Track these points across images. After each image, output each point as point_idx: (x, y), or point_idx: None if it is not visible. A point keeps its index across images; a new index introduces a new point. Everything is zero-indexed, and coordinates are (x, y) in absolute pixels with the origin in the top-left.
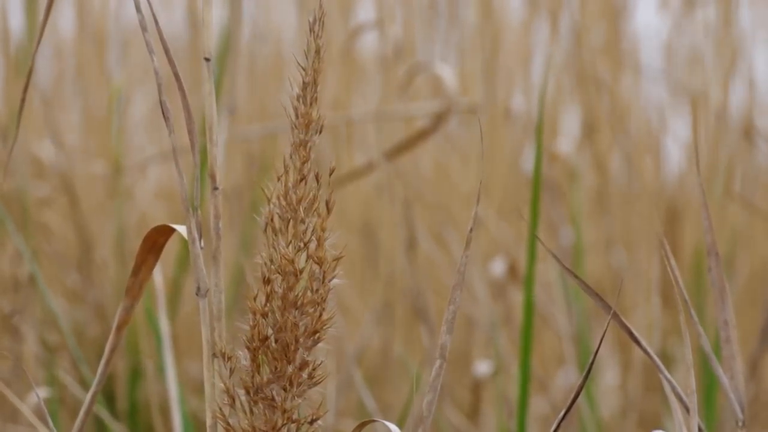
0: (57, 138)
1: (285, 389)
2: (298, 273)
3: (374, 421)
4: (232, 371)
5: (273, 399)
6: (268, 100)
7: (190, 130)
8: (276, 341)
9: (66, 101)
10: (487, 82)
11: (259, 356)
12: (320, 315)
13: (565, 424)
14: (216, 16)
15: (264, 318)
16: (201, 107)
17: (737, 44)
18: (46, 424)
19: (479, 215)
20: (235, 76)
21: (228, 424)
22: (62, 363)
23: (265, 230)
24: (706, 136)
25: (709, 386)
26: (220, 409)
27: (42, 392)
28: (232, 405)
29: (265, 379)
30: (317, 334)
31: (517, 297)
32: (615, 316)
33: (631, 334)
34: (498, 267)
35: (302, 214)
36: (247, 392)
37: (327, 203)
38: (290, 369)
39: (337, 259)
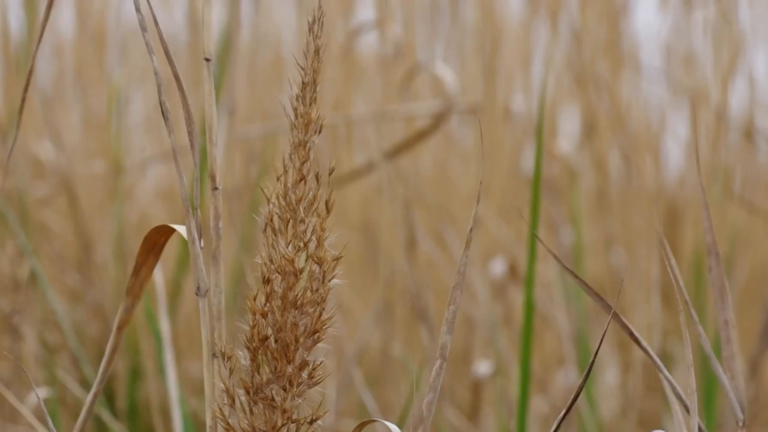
0: (57, 138)
1: (285, 389)
2: (298, 273)
3: (374, 421)
4: (231, 371)
5: (273, 399)
6: (267, 100)
7: (190, 131)
8: (276, 341)
9: (66, 101)
10: (487, 82)
11: (259, 356)
12: (320, 315)
13: (565, 424)
14: (216, 16)
15: (264, 318)
16: (200, 107)
17: (737, 44)
18: (45, 424)
19: (479, 215)
20: (235, 77)
21: (228, 424)
22: (62, 363)
23: (265, 230)
24: (706, 135)
25: (709, 386)
26: (220, 409)
27: (42, 392)
28: (232, 405)
29: (264, 379)
30: (317, 334)
31: (517, 297)
32: (615, 316)
33: (631, 334)
34: (498, 267)
35: (302, 214)
36: (247, 392)
37: (327, 203)
38: (290, 369)
39: (336, 259)
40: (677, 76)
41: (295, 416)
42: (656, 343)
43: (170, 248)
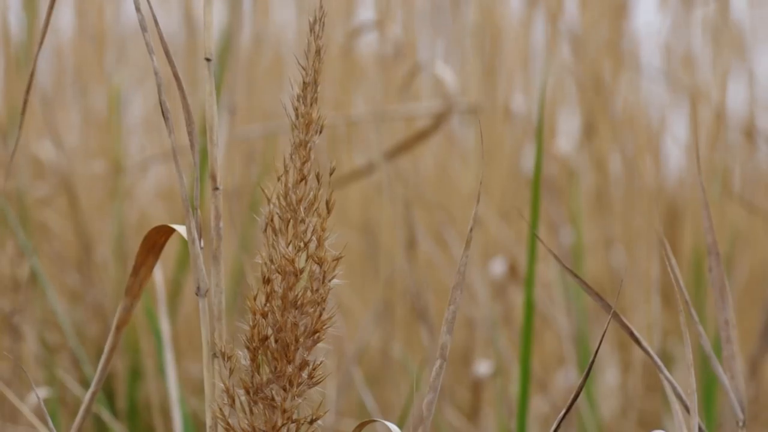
0: (57, 138)
1: (285, 389)
2: (298, 273)
3: (374, 421)
4: (232, 371)
5: (273, 399)
6: (267, 100)
7: (191, 131)
8: (276, 341)
9: (66, 101)
10: (487, 82)
11: (259, 356)
12: (320, 315)
13: (565, 424)
14: (216, 16)
15: (264, 318)
16: (200, 107)
17: (736, 43)
18: (46, 424)
19: (479, 215)
20: (235, 77)
21: (228, 424)
22: (62, 363)
23: (265, 230)
24: (705, 135)
25: (709, 386)
26: (220, 408)
27: (42, 392)
28: (232, 405)
29: (264, 379)
30: (317, 334)
31: (517, 297)
32: (615, 315)
33: (631, 333)
34: (498, 267)
35: (302, 214)
36: (247, 392)
37: (327, 203)
38: (290, 369)
39: (337, 259)
40: (677, 76)
41: (295, 416)
42: (656, 343)
43: (170, 248)
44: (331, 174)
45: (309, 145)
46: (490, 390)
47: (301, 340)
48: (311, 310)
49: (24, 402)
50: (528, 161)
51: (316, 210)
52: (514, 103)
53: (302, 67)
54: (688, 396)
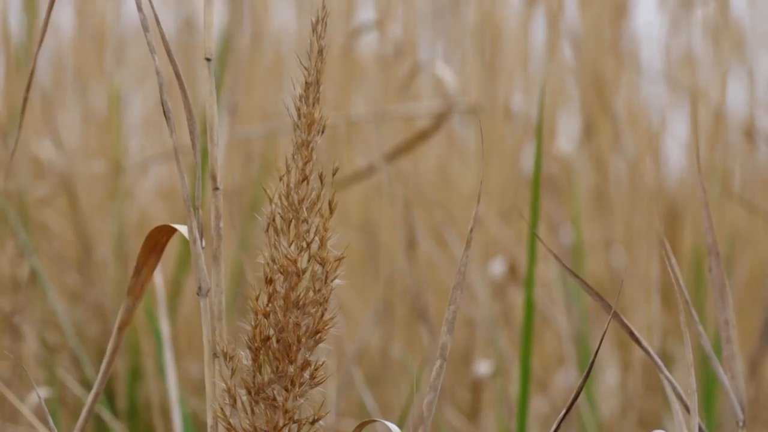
0: (57, 138)
1: (287, 389)
2: (301, 273)
3: (374, 421)
4: (233, 371)
5: (274, 399)
6: (267, 100)
7: (192, 130)
8: (278, 341)
9: (66, 101)
10: (487, 82)
11: (261, 356)
12: (322, 315)
13: (565, 424)
14: (216, 16)
15: (266, 318)
16: (200, 107)
17: (736, 43)
18: (46, 424)
19: (479, 215)
20: (236, 77)
21: (229, 423)
22: (62, 363)
23: (267, 230)
24: (705, 135)
25: (709, 386)
26: (222, 408)
27: (42, 392)
28: (234, 405)
29: (266, 379)
30: (319, 335)
31: (517, 297)
32: (615, 315)
33: (631, 333)
34: (498, 267)
35: (305, 214)
36: (249, 392)
37: (330, 203)
38: (292, 369)
39: (339, 259)
40: (677, 76)
41: (296, 416)
42: (656, 343)
43: (170, 248)
44: (334, 174)
45: (311, 145)
46: (490, 390)
47: (303, 340)
48: (313, 311)
49: (24, 402)
50: (528, 161)
51: (318, 210)
52: (514, 103)
53: (304, 67)
54: (688, 396)
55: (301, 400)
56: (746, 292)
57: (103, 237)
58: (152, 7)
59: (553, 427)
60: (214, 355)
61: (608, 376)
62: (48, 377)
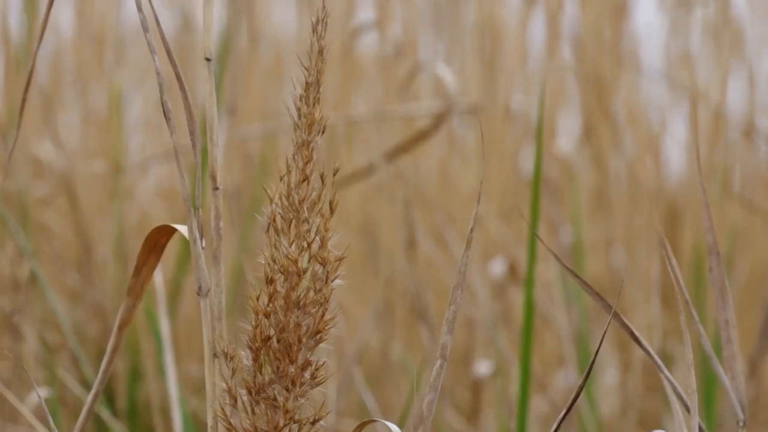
0: (57, 138)
1: (287, 389)
2: (301, 273)
3: (375, 421)
4: (233, 371)
5: (275, 399)
6: (267, 100)
7: (192, 130)
8: (278, 341)
9: (66, 101)
10: (487, 82)
11: (261, 356)
12: (322, 315)
13: (565, 424)
14: (216, 16)
15: (266, 318)
16: (199, 107)
17: (736, 43)
18: (46, 424)
19: (479, 215)
20: (235, 77)
21: (230, 423)
22: (62, 363)
23: (268, 230)
24: (705, 135)
25: (709, 386)
26: (222, 408)
27: (42, 392)
28: (234, 405)
29: (267, 379)
30: (319, 335)
31: (517, 297)
32: (615, 315)
33: (631, 333)
34: (498, 267)
35: (305, 214)
36: (249, 392)
37: (330, 204)
38: (292, 369)
39: (340, 259)
40: (677, 76)
41: (297, 416)
42: (656, 343)
43: (169, 248)
44: (334, 174)
45: (311, 145)
46: (490, 390)
47: (304, 340)
48: (314, 311)
49: (24, 402)
50: (528, 161)
51: (319, 210)
52: (514, 103)
53: (305, 67)
54: (688, 396)
55: (302, 400)
56: (746, 292)
57: (103, 237)
58: (152, 7)
59: (553, 427)
60: (215, 355)
61: (608, 376)
62: (48, 377)
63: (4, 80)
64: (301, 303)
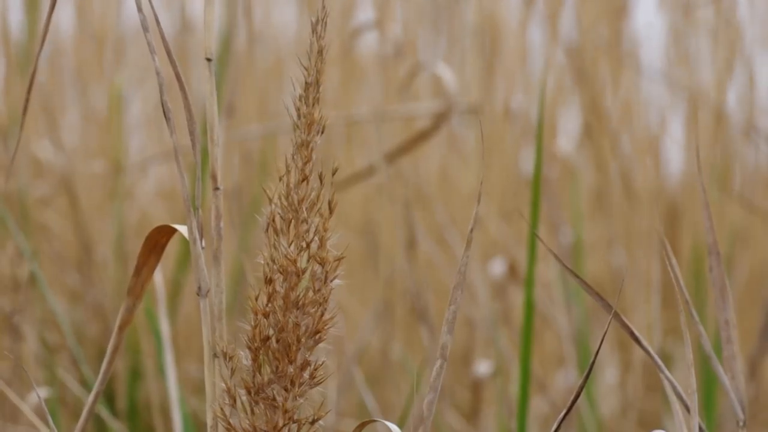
0: (57, 138)
1: (286, 389)
2: (300, 273)
3: (375, 421)
4: (233, 371)
5: (274, 399)
6: (266, 100)
7: (192, 130)
8: (277, 341)
9: (66, 101)
10: (487, 82)
11: (261, 356)
12: (321, 315)
13: (565, 424)
14: (216, 16)
15: (266, 318)
16: (199, 107)
17: (736, 43)
18: (46, 423)
19: (479, 215)
20: (234, 77)
21: (229, 423)
22: (62, 363)
23: (267, 230)
24: (705, 135)
25: (709, 386)
26: (222, 408)
27: (42, 392)
28: (234, 405)
29: (266, 379)
30: (319, 335)
31: (517, 297)
32: (615, 315)
33: (631, 333)
34: (498, 267)
35: (304, 214)
36: (249, 392)
37: (329, 204)
38: (291, 369)
39: (339, 259)
40: (677, 76)
41: (296, 416)
42: (656, 343)
43: (169, 248)
44: (333, 174)
45: (311, 145)
46: (490, 390)
47: (303, 340)
48: (313, 311)
49: (24, 402)
50: (528, 161)
51: (318, 210)
52: (514, 103)
53: (304, 68)
54: (688, 396)
55: (301, 400)
56: (746, 292)
57: (103, 237)
58: (152, 7)
59: (553, 427)
60: (214, 355)
61: (608, 376)
62: (48, 377)
63: (4, 80)
64: (300, 303)
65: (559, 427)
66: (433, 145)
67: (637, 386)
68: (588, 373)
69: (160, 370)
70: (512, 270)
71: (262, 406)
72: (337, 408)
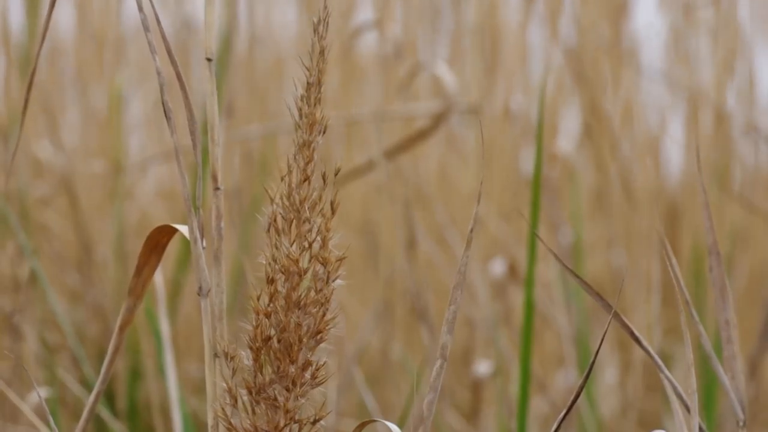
0: (57, 138)
1: (288, 389)
2: (302, 273)
3: (375, 421)
4: (234, 371)
5: (275, 399)
6: (267, 100)
7: (193, 130)
8: (279, 341)
9: (66, 101)
10: (487, 82)
11: (262, 356)
12: (323, 315)
13: (565, 424)
14: (216, 16)
15: (267, 318)
16: (199, 107)
17: (736, 43)
18: (47, 423)
19: (479, 215)
20: (234, 77)
21: (230, 424)
22: (62, 363)
23: (268, 230)
24: (705, 135)
25: (709, 386)
26: (223, 408)
27: (42, 392)
28: (235, 405)
29: (267, 379)
30: (320, 335)
31: (517, 297)
32: (615, 315)
33: (631, 333)
34: (498, 267)
35: (306, 214)
36: (250, 392)
37: (331, 204)
38: (293, 369)
39: (341, 259)
40: (677, 76)
41: (297, 416)
42: (656, 343)
43: (169, 248)
44: (336, 174)
45: (313, 145)
46: (490, 390)
47: (305, 340)
48: (314, 311)
49: (24, 402)
50: (528, 161)
51: (320, 210)
52: (514, 103)
53: (306, 68)
54: (688, 396)
55: (302, 400)
56: (746, 292)
57: (103, 237)
58: (153, 7)
59: (553, 427)
60: (215, 355)
61: (608, 376)
62: (48, 377)
63: (4, 80)
64: (302, 303)
65: (559, 427)
66: (432, 145)
67: (637, 386)
68: (588, 373)
69: (161, 370)
70: (512, 270)
71: (264, 406)
72: (338, 408)
